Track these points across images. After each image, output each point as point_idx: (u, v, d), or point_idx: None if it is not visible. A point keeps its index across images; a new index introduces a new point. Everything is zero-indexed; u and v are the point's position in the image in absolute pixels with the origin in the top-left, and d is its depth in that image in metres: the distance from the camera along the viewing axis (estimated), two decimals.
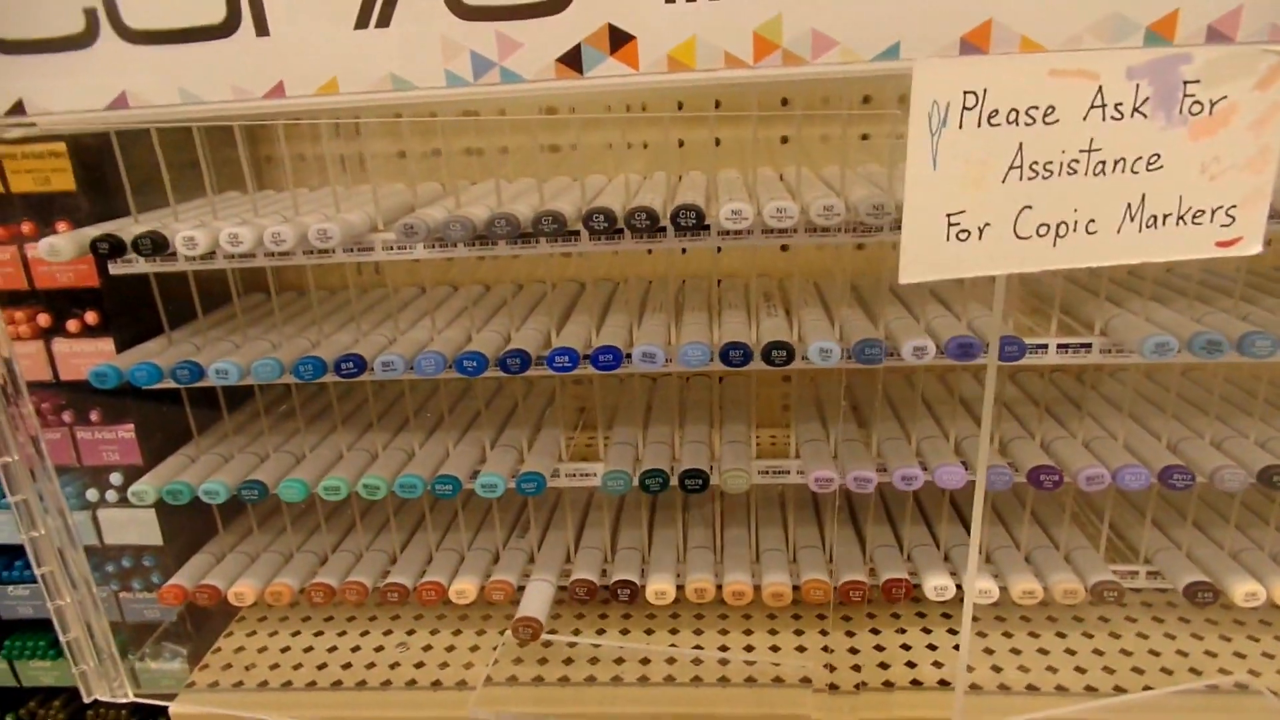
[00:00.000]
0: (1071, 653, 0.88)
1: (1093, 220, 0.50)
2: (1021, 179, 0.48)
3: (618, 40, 0.66)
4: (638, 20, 0.66)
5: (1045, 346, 0.81)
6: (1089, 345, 0.82)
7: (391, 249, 0.83)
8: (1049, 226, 0.50)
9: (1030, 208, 0.49)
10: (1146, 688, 0.83)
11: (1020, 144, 0.48)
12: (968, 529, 0.98)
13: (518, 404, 1.03)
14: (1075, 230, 0.50)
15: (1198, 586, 0.86)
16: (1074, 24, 0.63)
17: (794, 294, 0.95)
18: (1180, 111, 0.48)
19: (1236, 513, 0.94)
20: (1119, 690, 0.83)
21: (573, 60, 0.67)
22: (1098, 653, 0.88)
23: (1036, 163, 0.48)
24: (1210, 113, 0.48)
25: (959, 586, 0.88)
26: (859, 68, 0.64)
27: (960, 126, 0.47)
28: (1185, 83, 0.47)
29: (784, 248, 1.14)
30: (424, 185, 1.05)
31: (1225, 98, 0.48)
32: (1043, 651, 0.89)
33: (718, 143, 1.10)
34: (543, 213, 0.77)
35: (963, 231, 0.49)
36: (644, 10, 0.65)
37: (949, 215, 0.48)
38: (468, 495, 0.91)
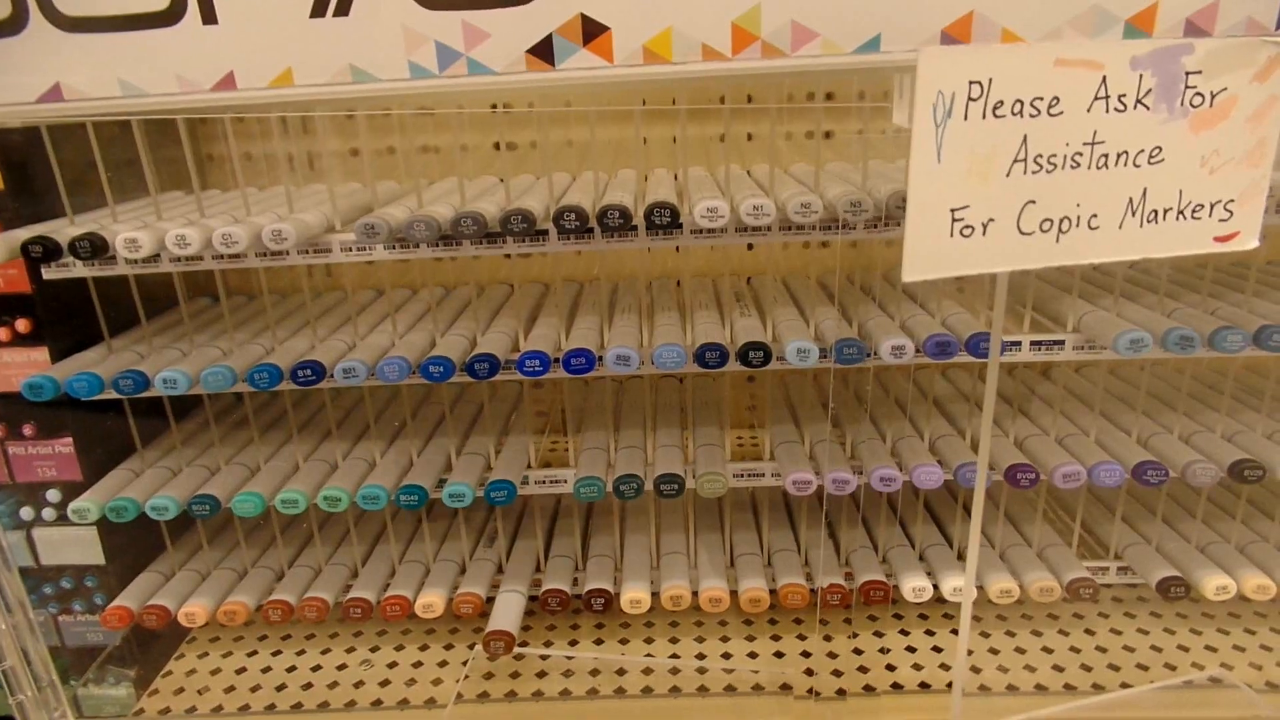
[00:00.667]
0: (1048, 651, 0.88)
1: (1095, 215, 0.49)
2: (1025, 172, 0.47)
3: (591, 31, 0.64)
4: (611, 10, 0.63)
5: (1019, 344, 0.81)
6: (1062, 342, 0.82)
7: (350, 250, 0.79)
8: (1052, 222, 0.48)
9: (1034, 202, 0.48)
10: (1124, 684, 0.83)
11: (1025, 136, 0.46)
12: (940, 528, 0.97)
13: (483, 408, 1.00)
14: (1078, 226, 0.48)
15: (1170, 581, 0.86)
16: (1055, 17, 0.62)
17: (765, 293, 0.94)
18: (1182, 103, 0.47)
19: (1203, 507, 0.94)
20: (1098, 688, 0.83)
21: (544, 52, 0.64)
22: (1074, 650, 0.88)
23: (1040, 156, 0.47)
24: (1211, 105, 0.47)
25: (936, 587, 0.87)
26: (841, 60, 0.62)
27: (965, 118, 0.45)
28: (1187, 74, 0.47)
29: (750, 246, 1.12)
30: (381, 184, 1.00)
31: (1225, 89, 0.47)
32: (1020, 650, 0.89)
33: (674, 140, 1.07)
34: (511, 211, 0.74)
35: (966, 228, 0.47)
36: None
37: (953, 210, 0.47)
38: (432, 504, 0.87)
